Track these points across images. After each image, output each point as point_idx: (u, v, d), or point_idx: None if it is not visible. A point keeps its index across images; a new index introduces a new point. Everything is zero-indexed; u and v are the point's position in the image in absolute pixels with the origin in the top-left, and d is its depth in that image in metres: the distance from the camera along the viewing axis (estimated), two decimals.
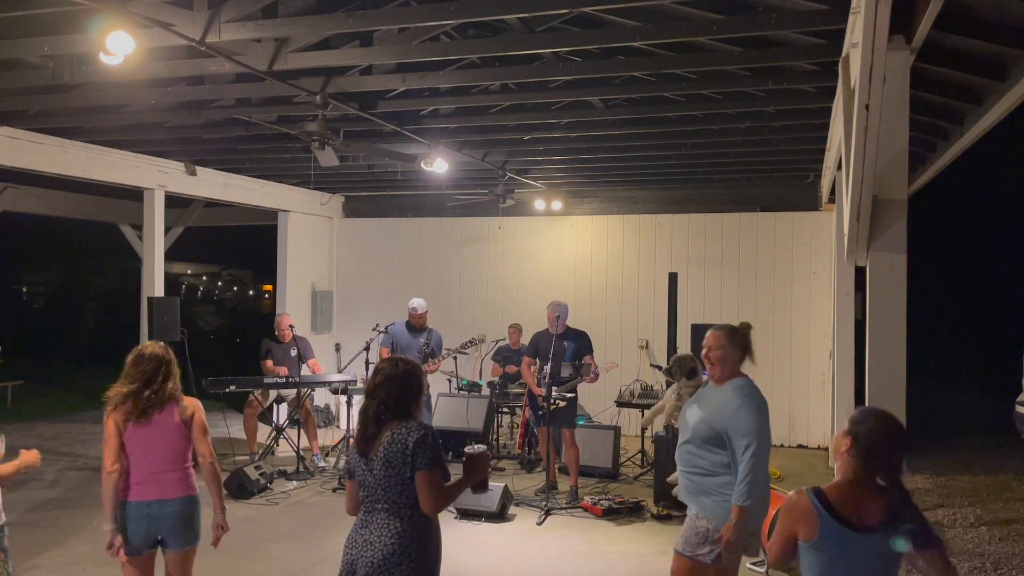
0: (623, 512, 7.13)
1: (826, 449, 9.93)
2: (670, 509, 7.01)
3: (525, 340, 9.10)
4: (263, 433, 9.08)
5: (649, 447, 8.86)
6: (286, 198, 11.34)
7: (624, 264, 11.18)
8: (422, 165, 7.78)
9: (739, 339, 3.90)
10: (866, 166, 3.40)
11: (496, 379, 9.64)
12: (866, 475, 2.57)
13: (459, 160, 8.51)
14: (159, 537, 3.81)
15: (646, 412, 7.83)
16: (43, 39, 5.03)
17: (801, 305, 10.43)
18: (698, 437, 3.82)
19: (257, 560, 6.02)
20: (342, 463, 8.84)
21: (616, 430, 8.69)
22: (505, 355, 9.84)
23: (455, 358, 9.99)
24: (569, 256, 11.39)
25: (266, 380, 8.63)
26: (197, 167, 9.59)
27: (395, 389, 3.11)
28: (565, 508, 7.24)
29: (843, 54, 4.40)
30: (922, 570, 2.59)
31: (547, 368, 7.40)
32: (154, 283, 9.20)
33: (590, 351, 7.63)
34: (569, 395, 7.49)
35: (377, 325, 8.73)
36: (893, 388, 3.58)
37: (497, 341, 10.34)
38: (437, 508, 3.07)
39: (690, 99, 6.58)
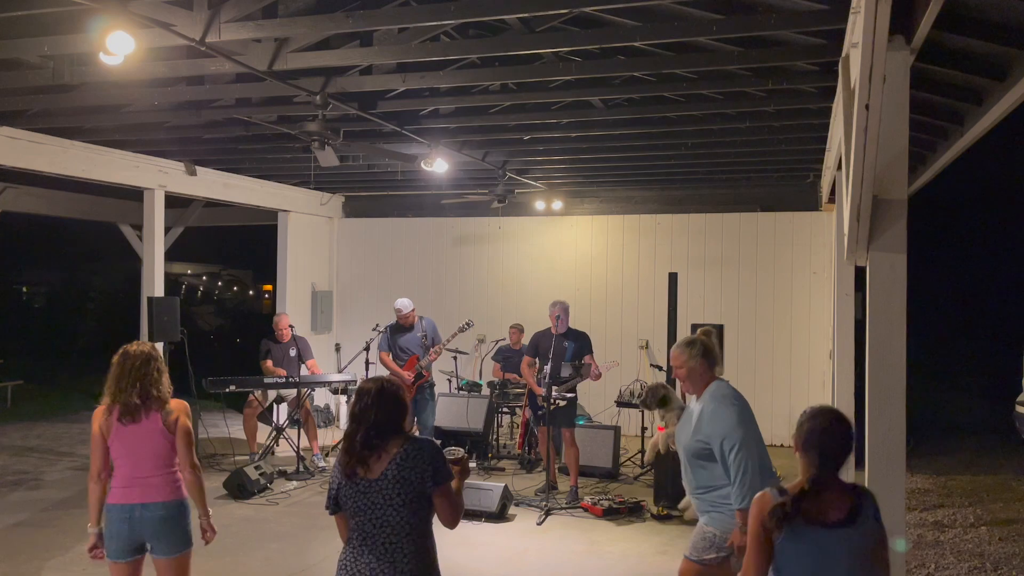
0: (623, 512, 7.13)
1: None
2: (670, 509, 7.01)
3: (526, 340, 9.11)
4: (263, 433, 9.09)
5: (649, 447, 8.86)
6: (286, 198, 11.35)
7: (624, 264, 11.18)
8: (422, 165, 7.78)
9: (697, 349, 3.86)
10: (866, 166, 3.40)
11: (496, 379, 9.65)
12: (820, 472, 2.63)
13: (459, 160, 8.51)
14: (145, 543, 3.72)
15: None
16: (43, 39, 5.03)
17: (801, 305, 10.43)
18: (692, 455, 3.81)
19: (257, 560, 6.02)
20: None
21: (616, 430, 8.69)
22: (506, 355, 9.84)
23: (455, 357, 10.01)
24: (569, 256, 11.40)
25: (266, 380, 8.63)
26: (197, 167, 9.59)
27: (385, 408, 3.00)
28: (565, 508, 7.24)
29: (843, 54, 4.39)
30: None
31: (547, 368, 7.40)
32: (154, 283, 9.20)
33: (590, 351, 7.64)
34: (569, 395, 7.49)
35: (377, 325, 8.74)
36: (893, 388, 3.57)
37: (497, 341, 10.34)
38: (457, 520, 3.00)
39: (690, 99, 6.58)
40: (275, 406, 9.20)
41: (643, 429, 9.10)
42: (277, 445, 9.04)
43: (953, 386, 15.79)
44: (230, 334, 23.52)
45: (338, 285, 12.40)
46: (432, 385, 8.58)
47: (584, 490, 7.70)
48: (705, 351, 3.86)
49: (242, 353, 15.99)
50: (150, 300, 8.60)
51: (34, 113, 7.07)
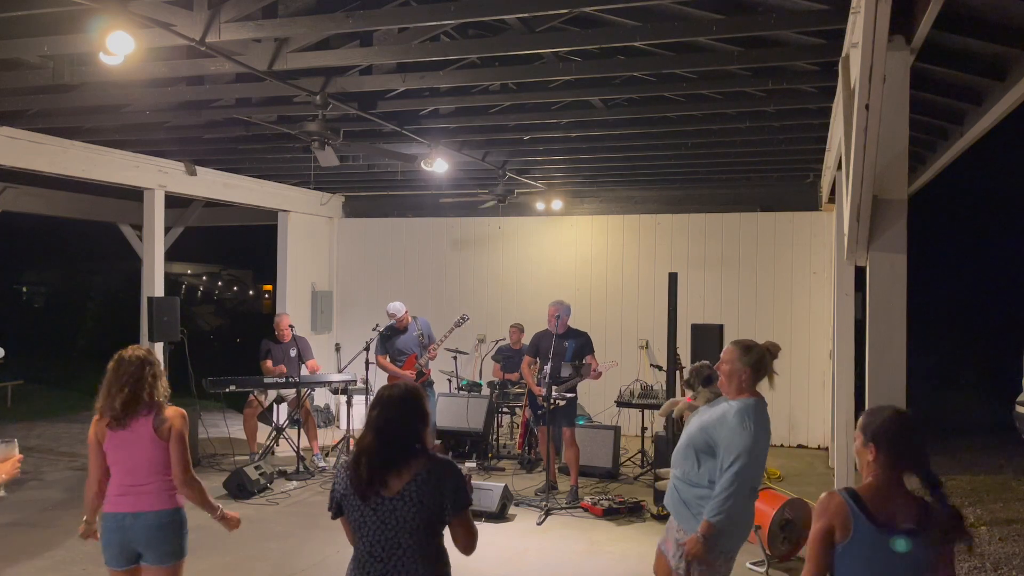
0: (623, 512, 7.13)
1: (826, 449, 9.94)
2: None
3: (526, 340, 9.11)
4: (263, 433, 9.09)
5: (649, 447, 8.87)
6: (286, 198, 11.35)
7: (624, 264, 11.18)
8: (422, 165, 7.79)
9: (752, 357, 3.74)
10: (866, 166, 3.40)
11: (496, 379, 9.64)
12: (895, 476, 2.55)
13: (459, 160, 8.51)
14: (138, 552, 3.65)
15: (664, 405, 7.91)
16: (43, 39, 5.03)
17: (801, 305, 10.43)
18: (694, 444, 3.78)
19: (257, 560, 6.02)
20: (342, 463, 8.84)
21: (616, 430, 8.69)
22: (506, 355, 9.84)
23: (455, 357, 10.02)
24: (569, 256, 11.39)
25: (266, 380, 8.64)
26: (197, 167, 9.59)
27: (408, 420, 2.79)
28: (565, 508, 7.24)
29: (843, 54, 4.39)
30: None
31: (547, 368, 7.40)
32: (154, 283, 9.20)
33: (591, 351, 7.63)
34: (569, 395, 7.49)
35: (377, 325, 8.74)
36: (893, 388, 3.57)
37: (497, 341, 10.34)
38: (474, 546, 2.84)
39: (690, 99, 6.58)
40: (275, 406, 9.20)
41: (643, 429, 9.10)
42: (277, 445, 9.04)
43: (953, 386, 15.79)
44: (230, 334, 23.52)
45: (338, 285, 12.40)
46: (431, 383, 8.60)
47: (584, 490, 7.70)
48: (757, 362, 3.73)
49: (242, 353, 15.99)
50: (150, 300, 8.60)
51: (34, 113, 7.07)
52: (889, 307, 3.59)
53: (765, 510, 5.80)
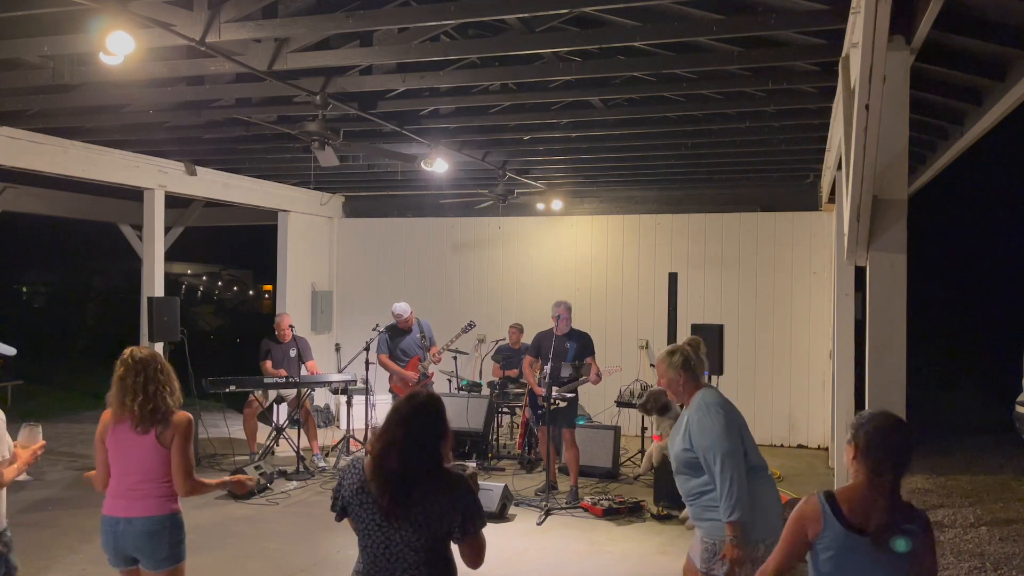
0: (623, 512, 7.13)
1: (826, 449, 9.94)
2: (670, 509, 7.01)
3: (526, 340, 9.12)
4: (263, 433, 9.09)
5: (649, 447, 8.87)
6: (286, 198, 11.35)
7: (624, 264, 11.18)
8: (422, 165, 7.79)
9: (676, 359, 3.82)
10: (866, 166, 3.40)
11: (496, 379, 9.65)
12: (874, 478, 2.57)
13: (459, 160, 8.51)
14: (133, 556, 3.62)
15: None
16: (43, 39, 5.03)
17: (801, 305, 10.43)
18: (682, 464, 3.80)
19: (257, 560, 6.02)
20: (342, 463, 8.84)
21: (616, 430, 8.69)
22: (506, 355, 9.84)
23: (455, 358, 10.02)
24: (569, 256, 11.39)
25: (266, 380, 8.64)
26: (197, 167, 9.59)
27: (429, 440, 2.70)
28: (565, 508, 7.24)
29: (843, 54, 4.39)
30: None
31: (547, 368, 7.40)
32: (154, 283, 9.20)
33: (592, 353, 7.63)
34: (569, 395, 7.49)
35: (377, 325, 8.74)
36: (893, 388, 3.58)
37: (497, 341, 10.34)
38: (481, 561, 2.78)
39: (690, 99, 6.58)
40: (275, 406, 9.20)
41: (643, 429, 9.10)
42: (277, 445, 9.04)
43: (953, 386, 15.79)
44: (230, 334, 23.51)
45: (338, 285, 12.40)
46: (432, 385, 8.62)
47: (584, 490, 7.69)
48: (684, 361, 3.82)
49: (242, 353, 15.99)
50: (150, 300, 8.60)
51: (34, 113, 7.07)
52: (889, 307, 3.59)
53: None
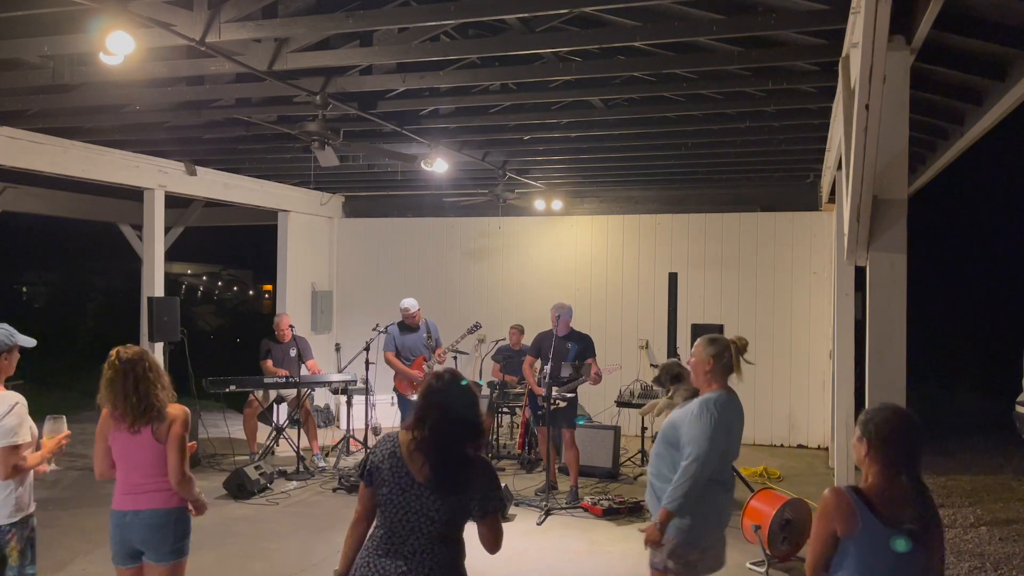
0: (623, 512, 7.13)
1: (826, 449, 9.94)
2: None
3: (526, 341, 9.11)
4: (263, 433, 9.09)
5: (649, 447, 8.86)
6: (286, 198, 11.35)
7: (624, 264, 11.18)
8: (422, 165, 7.79)
9: (713, 349, 3.84)
10: (866, 166, 3.40)
11: (496, 379, 9.64)
12: (892, 473, 2.57)
13: (459, 160, 8.51)
14: (139, 550, 3.66)
15: (646, 405, 8.01)
16: (43, 39, 5.03)
17: (801, 305, 10.43)
18: (665, 438, 3.86)
19: (257, 560, 6.02)
20: (342, 463, 8.84)
21: (616, 430, 8.69)
22: (506, 355, 9.83)
23: (455, 357, 10.01)
24: (569, 256, 11.39)
25: (266, 380, 8.64)
26: (197, 167, 9.59)
27: (464, 422, 2.80)
28: (565, 508, 7.24)
29: (843, 54, 4.39)
30: None
31: (547, 368, 7.40)
32: (154, 283, 9.20)
33: (593, 355, 7.63)
34: (569, 395, 7.49)
35: (377, 325, 8.74)
36: (893, 388, 3.57)
37: (497, 341, 10.33)
38: (499, 546, 2.86)
39: (690, 99, 6.58)
40: (275, 406, 9.20)
41: (643, 429, 9.10)
42: (277, 445, 9.04)
43: (953, 386, 15.78)
44: (230, 334, 23.52)
45: (338, 285, 12.40)
46: None
47: (584, 490, 7.69)
48: (719, 353, 3.83)
49: (242, 353, 16.00)
50: (150, 300, 8.61)
51: (34, 113, 7.07)
52: (889, 307, 3.59)
53: (765, 510, 5.80)
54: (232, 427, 9.50)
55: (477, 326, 8.87)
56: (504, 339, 10.15)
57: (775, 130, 7.38)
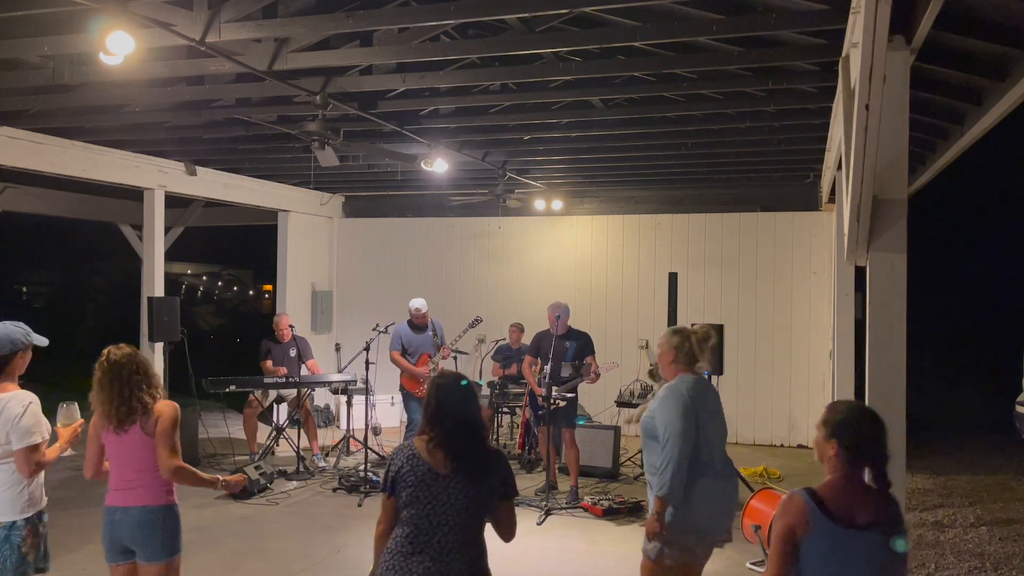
0: (623, 512, 7.13)
1: None
2: None
3: (526, 340, 9.11)
4: (263, 433, 9.09)
5: None
6: (286, 198, 11.35)
7: (624, 264, 11.18)
8: (422, 165, 7.79)
9: (675, 340, 4.01)
10: (866, 166, 3.40)
11: (496, 379, 9.64)
12: (855, 473, 2.59)
13: (459, 160, 8.51)
14: (128, 547, 3.68)
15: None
16: (43, 39, 5.03)
17: (801, 305, 10.43)
18: (644, 431, 4.00)
19: (257, 560, 6.02)
20: (342, 463, 8.84)
21: (616, 430, 8.69)
22: (506, 355, 9.84)
23: (455, 357, 10.01)
24: (569, 256, 11.39)
25: (266, 380, 8.63)
26: (197, 167, 9.59)
27: (476, 415, 3.00)
28: (565, 508, 7.24)
29: (843, 54, 4.39)
30: None
31: (547, 368, 7.40)
32: (154, 283, 9.20)
33: (591, 352, 7.64)
34: (569, 395, 7.49)
35: (377, 325, 8.74)
36: (893, 388, 3.58)
37: (497, 341, 10.34)
38: (514, 533, 3.00)
39: (690, 99, 6.58)
40: (275, 406, 9.20)
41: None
42: (277, 445, 9.04)
43: (953, 386, 15.77)
44: (230, 334, 23.53)
45: (338, 285, 12.40)
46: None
47: (584, 490, 7.69)
48: (680, 344, 4.00)
49: (242, 353, 15.99)
50: (150, 300, 8.60)
51: (34, 113, 7.07)
52: (889, 307, 3.59)
53: (765, 510, 5.79)
54: (232, 427, 9.50)
55: (478, 320, 8.90)
56: (504, 339, 10.15)
57: (775, 130, 7.38)
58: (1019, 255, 18.08)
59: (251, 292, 31.58)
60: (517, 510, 3.06)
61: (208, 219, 12.67)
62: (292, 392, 8.68)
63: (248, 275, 31.23)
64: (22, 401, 3.65)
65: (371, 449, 8.61)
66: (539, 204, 11.06)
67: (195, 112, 6.98)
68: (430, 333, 8.44)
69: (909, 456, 4.33)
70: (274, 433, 8.97)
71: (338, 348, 10.22)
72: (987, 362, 15.38)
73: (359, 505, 7.36)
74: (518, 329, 9.88)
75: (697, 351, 4.00)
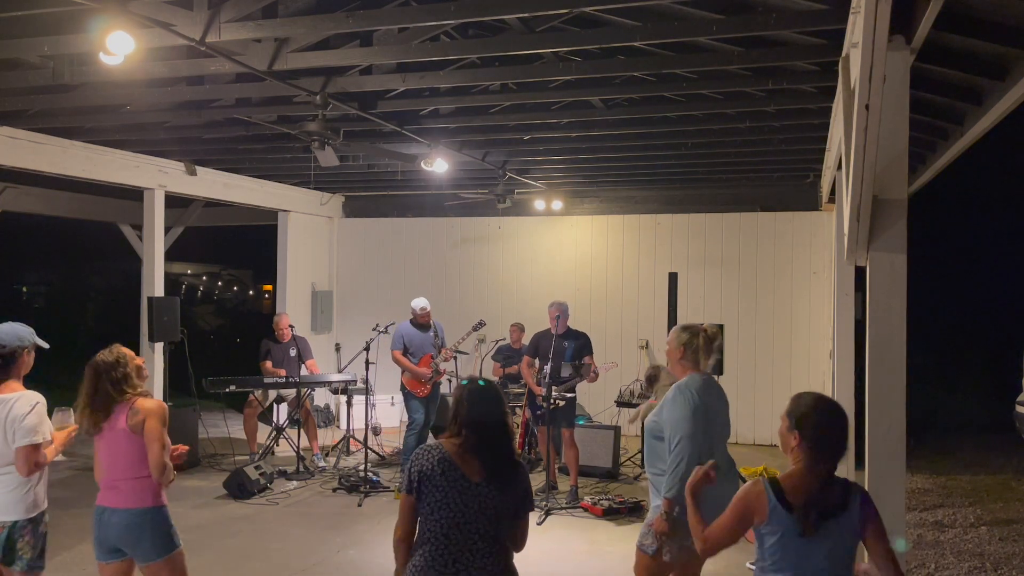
0: (623, 512, 7.13)
1: None
2: None
3: (526, 340, 9.11)
4: (263, 433, 9.09)
5: None
6: (286, 198, 11.35)
7: (624, 264, 11.18)
8: (422, 165, 7.78)
9: (683, 338, 4.00)
10: (866, 166, 3.40)
11: (496, 379, 9.64)
12: (815, 463, 2.64)
13: (459, 160, 8.51)
14: (117, 547, 3.69)
15: (633, 412, 8.20)
16: (43, 39, 5.03)
17: (801, 305, 10.43)
18: (650, 431, 3.99)
19: (257, 560, 6.02)
20: (342, 463, 8.84)
21: (616, 430, 8.69)
22: (506, 354, 9.84)
23: (456, 357, 10.01)
24: (569, 256, 11.39)
25: (266, 380, 8.64)
26: (197, 167, 9.59)
27: (508, 422, 2.99)
28: (565, 508, 7.24)
29: (843, 54, 4.39)
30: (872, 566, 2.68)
31: (547, 368, 7.41)
32: (154, 283, 9.19)
33: (590, 352, 7.64)
34: (568, 395, 7.49)
35: (377, 325, 8.74)
36: (893, 388, 3.57)
37: (498, 341, 10.34)
38: (524, 544, 2.99)
39: (690, 99, 6.58)
40: (275, 406, 9.20)
41: (643, 429, 9.08)
42: (277, 445, 9.05)
43: (953, 386, 15.77)
44: (230, 334, 23.52)
45: (338, 285, 12.40)
46: (439, 384, 8.66)
47: (584, 490, 7.70)
48: (688, 342, 3.98)
49: (242, 353, 15.99)
50: (150, 300, 8.61)
51: (34, 113, 7.07)
52: (889, 307, 3.59)
53: None
54: (232, 427, 9.50)
55: (481, 323, 8.89)
56: (504, 339, 10.15)
57: (775, 130, 7.38)
58: (1019, 255, 18.09)
59: (251, 292, 31.57)
60: None
61: (208, 219, 12.67)
62: (292, 392, 8.68)
63: (248, 275, 31.22)
64: (30, 401, 3.71)
65: (371, 449, 8.62)
66: (539, 204, 11.07)
67: (195, 112, 6.97)
68: (431, 334, 8.45)
69: (909, 456, 4.33)
70: (274, 433, 8.98)
71: (338, 348, 10.23)
72: (987, 362, 15.38)
73: (359, 505, 7.36)
74: (518, 329, 9.88)
75: (703, 351, 3.98)
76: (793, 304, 10.45)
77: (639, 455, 8.97)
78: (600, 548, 6.36)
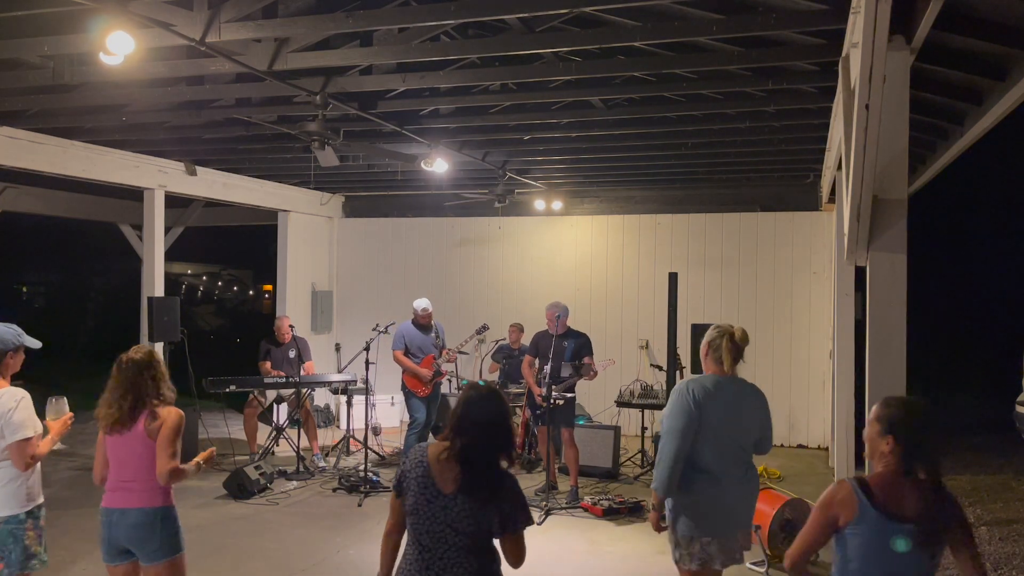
0: (623, 512, 7.13)
1: (826, 449, 9.94)
2: None
3: (526, 340, 9.11)
4: (263, 433, 9.08)
5: (649, 447, 8.87)
6: (286, 198, 11.35)
7: (624, 264, 11.18)
8: (422, 165, 7.79)
9: (710, 335, 4.04)
10: (866, 166, 3.40)
11: (495, 376, 9.64)
12: (907, 468, 2.61)
13: (459, 160, 8.51)
14: (125, 548, 3.70)
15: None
16: (43, 39, 5.03)
17: (801, 305, 10.43)
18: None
19: (257, 560, 6.02)
20: (342, 463, 8.84)
21: (616, 430, 8.69)
22: (506, 354, 9.83)
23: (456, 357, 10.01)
24: (569, 256, 11.39)
25: (266, 380, 8.64)
26: (197, 167, 9.59)
27: (504, 433, 2.85)
28: (565, 508, 7.24)
29: (843, 54, 4.39)
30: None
31: (547, 368, 7.41)
32: (154, 283, 9.20)
33: (590, 352, 7.64)
34: (568, 394, 7.49)
35: (377, 325, 8.74)
36: (893, 388, 3.57)
37: (497, 340, 10.34)
38: (522, 561, 2.84)
39: (690, 99, 6.58)
40: (275, 406, 9.20)
41: (643, 429, 9.10)
42: (277, 445, 9.04)
43: (953, 386, 15.78)
44: (230, 334, 23.52)
45: (338, 285, 12.40)
46: (439, 384, 8.67)
47: (584, 490, 7.70)
48: (712, 340, 4.01)
49: (242, 353, 15.98)
50: (150, 300, 8.61)
51: (34, 113, 7.07)
52: (889, 307, 3.59)
53: (765, 510, 5.80)
54: (232, 427, 9.50)
55: (484, 327, 8.88)
56: (504, 339, 10.15)
57: (775, 130, 7.38)
58: (1019, 255, 18.09)
59: (251, 292, 31.58)
60: None
61: (208, 219, 12.67)
62: (292, 392, 8.68)
63: (248, 275, 31.23)
64: (14, 396, 3.75)
65: (371, 449, 8.62)
66: (539, 204, 11.06)
67: (195, 112, 6.97)
68: (432, 334, 8.45)
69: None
70: (274, 433, 8.97)
71: (338, 348, 10.22)
72: (987, 362, 15.38)
73: (359, 505, 7.36)
74: (518, 329, 9.88)
75: (726, 352, 3.94)
76: (793, 304, 10.45)
77: (639, 455, 8.98)
78: (600, 548, 6.36)
